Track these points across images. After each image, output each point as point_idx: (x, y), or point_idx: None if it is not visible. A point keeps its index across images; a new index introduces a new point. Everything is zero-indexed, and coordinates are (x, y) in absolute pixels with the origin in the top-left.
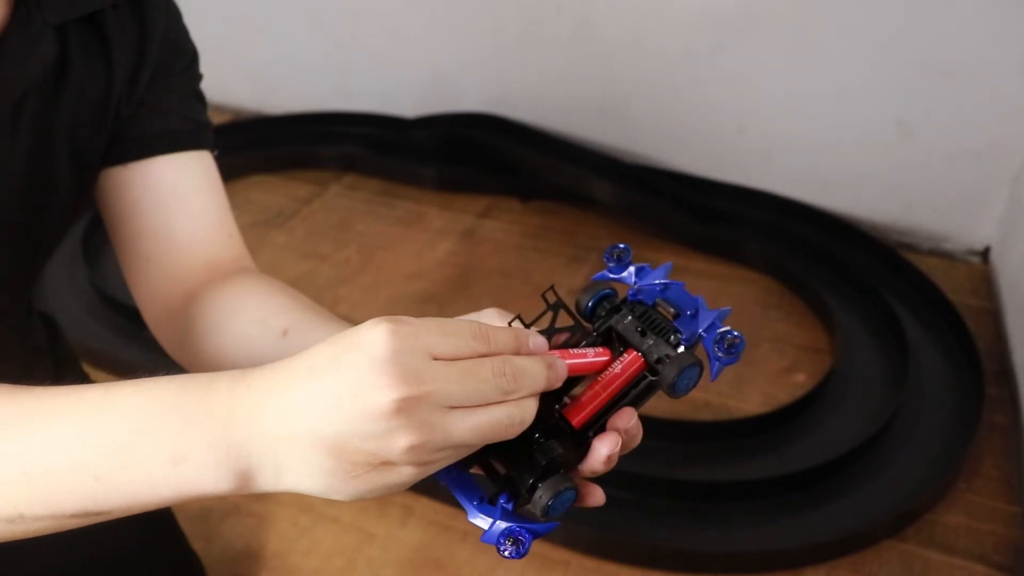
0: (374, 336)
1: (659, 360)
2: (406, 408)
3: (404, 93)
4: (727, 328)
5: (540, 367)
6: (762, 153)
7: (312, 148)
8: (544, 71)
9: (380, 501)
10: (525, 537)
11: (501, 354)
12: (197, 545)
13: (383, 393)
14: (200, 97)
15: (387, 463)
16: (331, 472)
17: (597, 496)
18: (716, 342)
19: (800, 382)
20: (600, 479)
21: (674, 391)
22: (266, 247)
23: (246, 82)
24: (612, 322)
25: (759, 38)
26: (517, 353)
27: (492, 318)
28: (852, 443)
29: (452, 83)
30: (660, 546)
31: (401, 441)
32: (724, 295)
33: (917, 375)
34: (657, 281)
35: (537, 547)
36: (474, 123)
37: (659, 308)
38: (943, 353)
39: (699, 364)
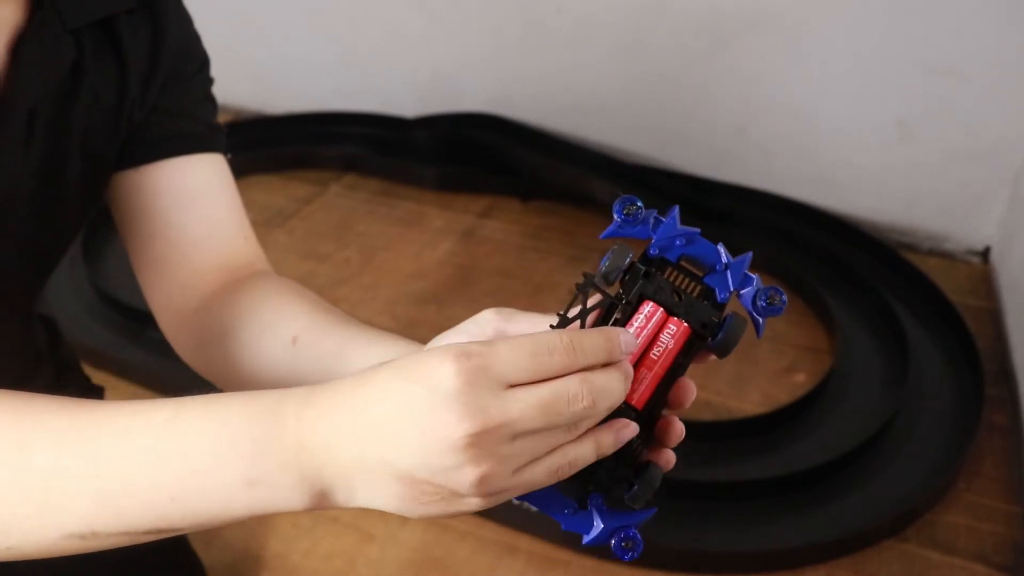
0: (442, 374)
1: (705, 325)
2: (475, 444)
3: (404, 93)
4: (766, 286)
5: (619, 384)
6: (762, 153)
7: (312, 148)
8: (544, 71)
9: None
10: (633, 533)
11: (586, 369)
12: (197, 545)
13: (450, 429)
14: (212, 100)
15: (456, 494)
16: (402, 497)
17: (671, 460)
18: (757, 300)
19: (800, 382)
20: None
21: (726, 354)
22: (266, 247)
23: (247, 82)
24: (640, 288)
25: (759, 38)
26: (608, 361)
27: (489, 320)
28: (852, 443)
29: (452, 83)
30: (660, 546)
31: (469, 476)
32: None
33: (917, 375)
34: (677, 234)
35: (537, 547)
36: (474, 123)
37: (683, 264)
38: (943, 353)
39: (745, 322)
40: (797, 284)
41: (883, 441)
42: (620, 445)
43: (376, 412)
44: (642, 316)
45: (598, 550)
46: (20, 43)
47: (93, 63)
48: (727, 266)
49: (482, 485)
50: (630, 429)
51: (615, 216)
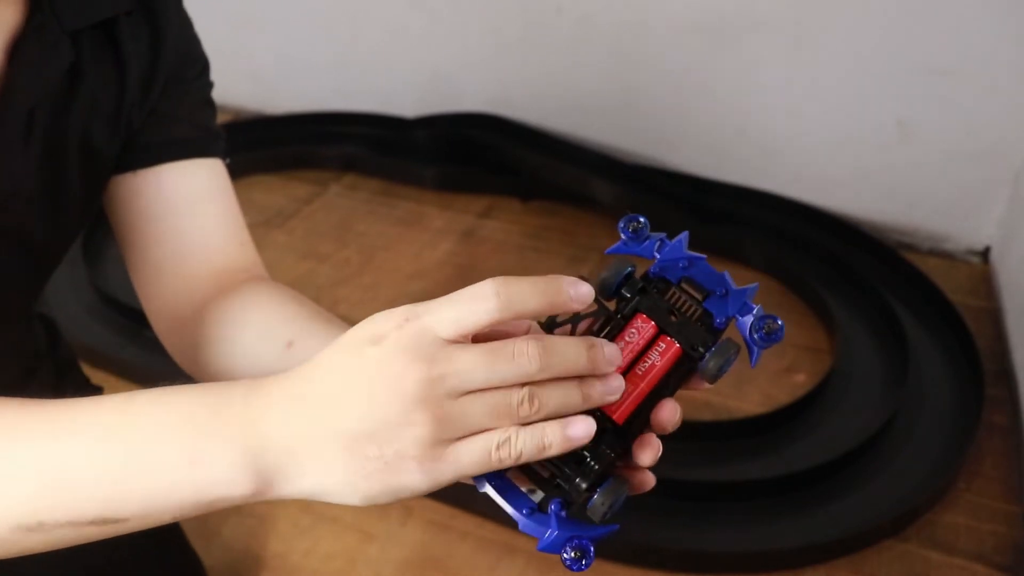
0: (390, 328)
1: (695, 347)
2: (422, 392)
3: (404, 93)
4: (765, 314)
5: (575, 350)
6: (762, 153)
7: (312, 148)
8: (544, 71)
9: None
10: (586, 544)
11: (560, 377)
12: (197, 545)
13: (399, 379)
14: (211, 105)
15: (399, 458)
16: (347, 469)
17: (648, 482)
18: (754, 328)
19: (800, 382)
20: None
21: (715, 379)
22: (266, 247)
23: (247, 82)
24: (636, 303)
25: (759, 38)
26: (590, 373)
27: None
28: (852, 443)
29: (452, 83)
30: (660, 546)
31: (415, 430)
32: None
33: (917, 375)
34: (681, 257)
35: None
36: (474, 123)
37: (684, 286)
38: (943, 353)
39: (738, 350)
40: (797, 284)
41: (883, 441)
42: (570, 443)
43: (326, 381)
44: (633, 330)
45: (598, 550)
46: (18, 45)
47: (92, 65)
48: (728, 292)
49: (424, 444)
50: (582, 426)
51: (620, 234)
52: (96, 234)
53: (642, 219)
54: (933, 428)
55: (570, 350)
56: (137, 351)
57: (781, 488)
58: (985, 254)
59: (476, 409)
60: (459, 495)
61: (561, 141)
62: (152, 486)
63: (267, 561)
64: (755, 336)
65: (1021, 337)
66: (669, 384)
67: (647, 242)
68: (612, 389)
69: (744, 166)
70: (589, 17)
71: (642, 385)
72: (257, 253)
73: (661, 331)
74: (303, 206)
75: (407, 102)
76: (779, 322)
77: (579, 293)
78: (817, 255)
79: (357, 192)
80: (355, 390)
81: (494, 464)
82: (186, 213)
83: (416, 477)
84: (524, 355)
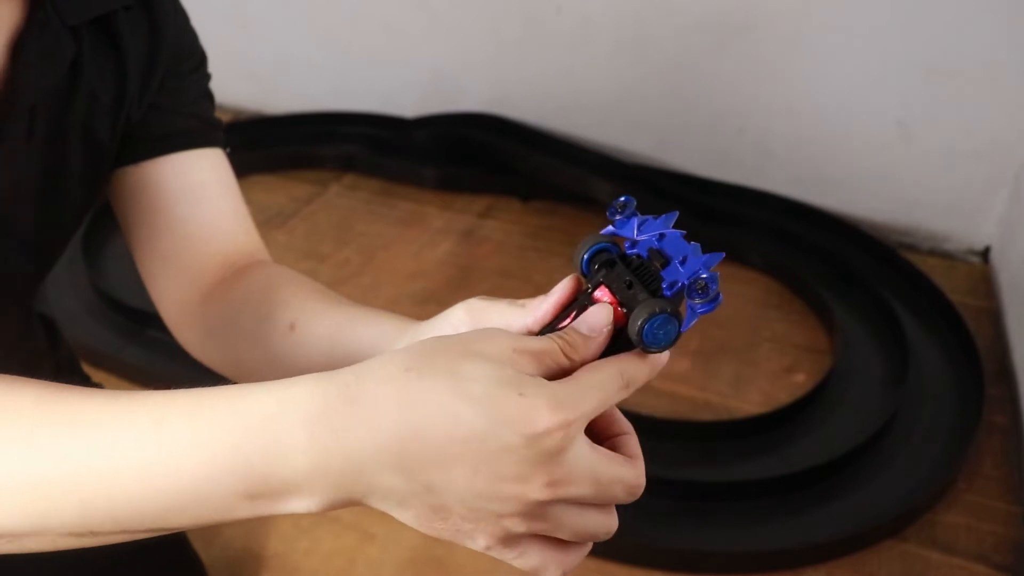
0: (539, 426)
1: (628, 311)
2: (536, 498)
3: (404, 93)
4: (709, 274)
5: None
6: (762, 153)
7: (312, 148)
8: (544, 71)
9: None
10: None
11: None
12: (197, 545)
13: (526, 487)
14: (210, 96)
15: (473, 531)
16: (421, 517)
17: None
18: (688, 288)
19: (800, 382)
20: None
21: (643, 341)
22: (266, 247)
23: (246, 82)
24: (600, 277)
25: (759, 38)
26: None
27: (462, 320)
28: (852, 443)
29: (452, 83)
30: (660, 546)
31: (504, 521)
32: (724, 295)
33: (917, 375)
34: (655, 233)
35: None
36: (474, 123)
37: (651, 259)
38: (943, 353)
39: (668, 311)
40: (797, 284)
41: (883, 441)
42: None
43: (443, 447)
44: (595, 302)
45: (598, 550)
46: (20, 41)
47: (92, 60)
48: (686, 259)
49: (506, 533)
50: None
51: (609, 216)
52: (96, 234)
53: (623, 198)
54: (933, 428)
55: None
56: (136, 351)
57: (781, 488)
58: (985, 254)
59: (567, 524)
60: None
61: (561, 141)
62: (205, 513)
63: (267, 560)
64: (690, 298)
65: (1021, 337)
66: (608, 350)
67: (630, 221)
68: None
69: (744, 166)
70: (589, 17)
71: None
72: (260, 240)
73: (620, 302)
74: (303, 206)
75: (407, 102)
76: (709, 277)
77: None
78: (817, 255)
79: (357, 192)
80: (472, 473)
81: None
82: (190, 203)
83: (479, 546)
84: (630, 496)
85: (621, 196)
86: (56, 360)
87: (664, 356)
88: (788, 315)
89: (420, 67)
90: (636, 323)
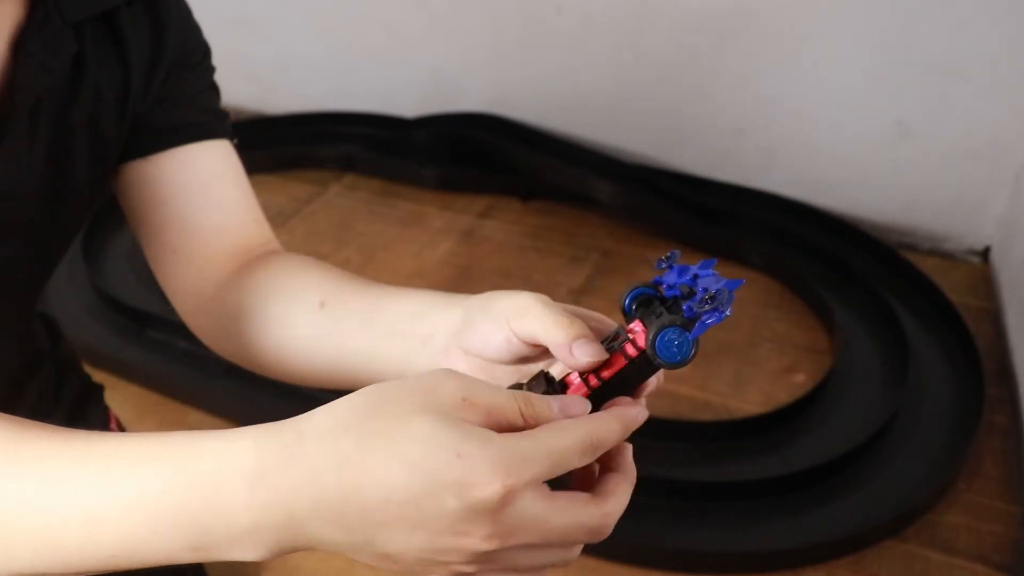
0: (482, 487)
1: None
2: (481, 551)
3: (404, 93)
4: (714, 290)
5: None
6: (762, 153)
7: (312, 148)
8: (544, 71)
9: None
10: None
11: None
12: None
13: (468, 540)
14: (215, 88)
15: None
16: (370, 563)
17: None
18: (697, 300)
19: (800, 382)
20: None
21: (656, 355)
22: None
23: (246, 82)
24: (638, 314)
25: (759, 38)
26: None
27: (506, 310)
28: (852, 443)
29: (452, 83)
30: (660, 546)
31: (449, 568)
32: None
33: (917, 375)
34: (690, 275)
35: None
36: (474, 123)
37: (684, 295)
38: (943, 353)
39: (678, 323)
40: (797, 284)
41: (883, 441)
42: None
43: (380, 505)
44: (629, 334)
45: (598, 550)
46: (22, 39)
47: (95, 56)
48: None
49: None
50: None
51: (657, 268)
52: (96, 234)
53: (672, 253)
54: (933, 428)
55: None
56: (136, 351)
57: (781, 488)
58: (985, 254)
59: (522, 563)
60: None
61: (561, 141)
62: (151, 559)
63: (267, 560)
64: (699, 308)
65: (1021, 337)
66: (629, 376)
67: (673, 269)
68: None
69: (744, 166)
70: (589, 17)
71: (591, 377)
72: (271, 230)
73: (646, 331)
74: (303, 206)
75: (407, 102)
76: (715, 289)
77: (640, 418)
78: (817, 255)
79: (357, 192)
80: (410, 532)
81: None
82: (200, 194)
83: None
84: (593, 537)
85: (670, 252)
86: (57, 359)
87: (640, 415)
88: (788, 315)
89: (420, 67)
90: (649, 338)
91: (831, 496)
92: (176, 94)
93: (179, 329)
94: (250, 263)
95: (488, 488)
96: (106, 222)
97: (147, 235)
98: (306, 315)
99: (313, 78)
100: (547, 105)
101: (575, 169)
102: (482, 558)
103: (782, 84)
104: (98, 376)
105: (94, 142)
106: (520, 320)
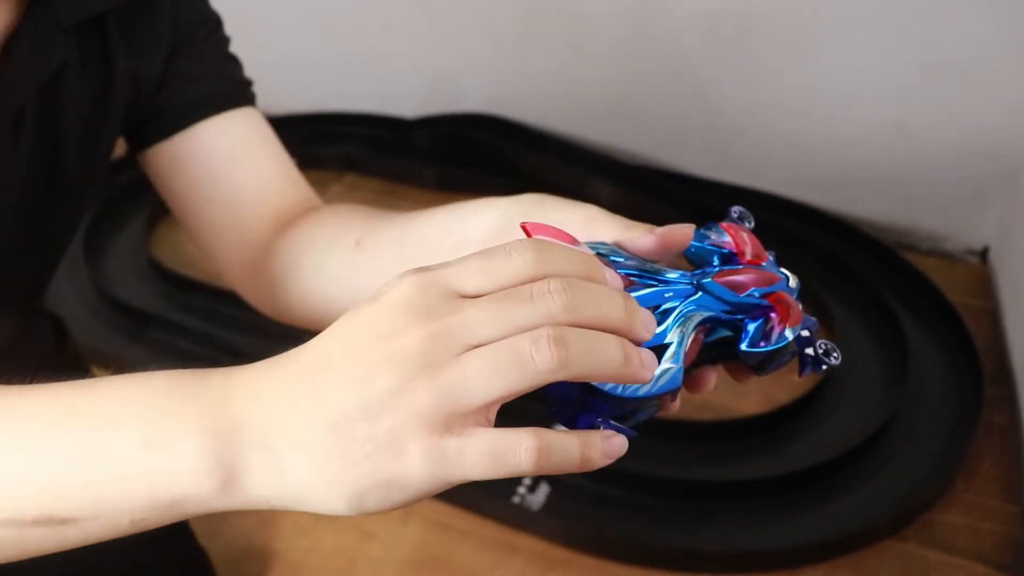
0: (394, 285)
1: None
2: (425, 349)
3: (404, 93)
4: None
5: (618, 300)
6: (762, 153)
7: (312, 148)
8: (544, 71)
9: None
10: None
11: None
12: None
13: (397, 336)
14: (231, 58)
15: (393, 439)
16: (331, 455)
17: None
18: (809, 346)
19: (800, 382)
20: (602, 479)
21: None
22: None
23: None
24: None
25: (759, 38)
26: (624, 332)
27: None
28: (852, 443)
29: (452, 83)
30: (660, 546)
31: (421, 395)
32: None
33: (916, 375)
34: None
35: (537, 547)
36: (474, 123)
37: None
38: (942, 353)
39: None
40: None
41: (882, 441)
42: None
43: (316, 352)
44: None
45: (598, 550)
46: (11, 41)
47: (85, 56)
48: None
49: (423, 418)
50: (646, 358)
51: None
52: (97, 234)
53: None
54: (932, 428)
55: (603, 293)
56: (138, 351)
57: (781, 488)
58: (984, 254)
59: (479, 365)
60: (460, 495)
61: (561, 141)
62: (100, 477)
63: (268, 559)
64: (812, 353)
65: (1020, 337)
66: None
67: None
68: (647, 363)
69: (744, 166)
70: (589, 17)
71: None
72: (310, 188)
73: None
74: None
75: (407, 102)
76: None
77: (614, 278)
78: (817, 255)
79: (357, 192)
80: (344, 357)
81: (511, 464)
82: (232, 166)
83: (415, 464)
84: (546, 293)
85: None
86: (63, 359)
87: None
88: None
89: (420, 67)
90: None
91: (830, 496)
92: (189, 70)
93: (181, 329)
94: (291, 222)
95: (397, 280)
96: (107, 222)
97: (186, 215)
98: (343, 257)
99: (313, 78)
100: (547, 105)
101: (575, 169)
102: (426, 365)
103: (782, 84)
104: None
105: (84, 145)
106: (590, 232)
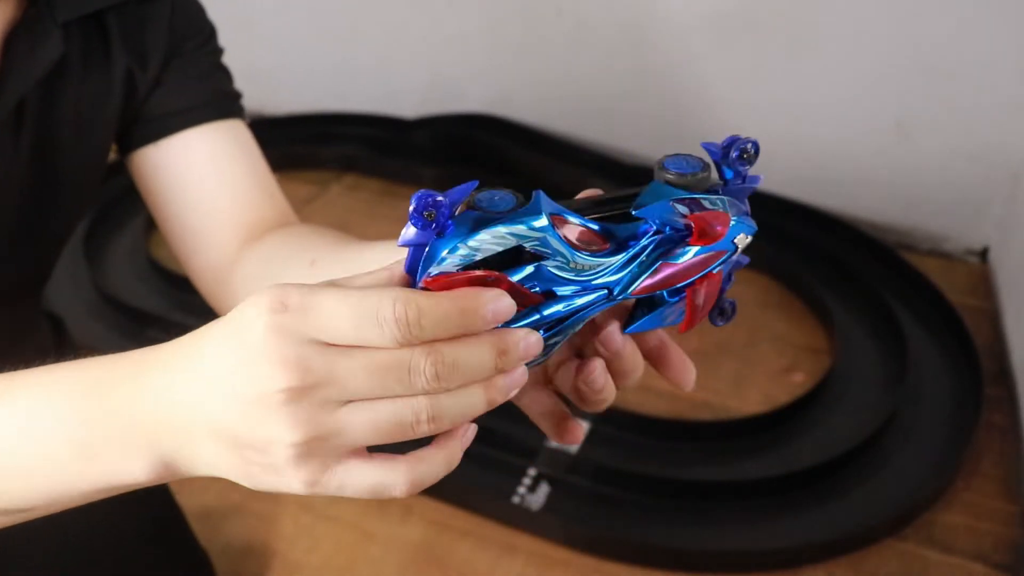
0: (250, 322)
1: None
2: (291, 400)
3: (404, 94)
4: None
5: (484, 357)
6: (761, 153)
7: (312, 148)
8: (544, 72)
9: (380, 500)
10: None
11: (430, 344)
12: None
13: (262, 384)
14: (222, 69)
15: (275, 467)
16: (233, 463)
17: (576, 433)
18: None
19: (799, 382)
20: (602, 479)
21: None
22: None
23: (246, 83)
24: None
25: (759, 38)
26: (464, 333)
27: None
28: (851, 443)
29: (452, 84)
30: (660, 546)
31: (282, 443)
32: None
33: (916, 375)
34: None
35: (537, 547)
36: (474, 124)
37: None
38: (942, 353)
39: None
40: (797, 284)
41: (882, 441)
42: (496, 403)
43: (206, 365)
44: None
45: (598, 550)
46: (11, 37)
47: (82, 52)
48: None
49: (298, 459)
50: (514, 378)
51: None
52: (97, 233)
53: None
54: (932, 428)
55: (475, 359)
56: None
57: (781, 487)
58: (984, 254)
59: (358, 424)
60: (460, 495)
61: (561, 142)
62: (51, 479)
63: (268, 559)
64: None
65: (1020, 337)
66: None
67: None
68: (514, 382)
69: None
70: (589, 18)
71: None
72: (287, 203)
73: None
74: (303, 206)
75: (407, 103)
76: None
77: (498, 311)
78: (817, 255)
79: (357, 192)
80: (227, 380)
81: (385, 497)
82: (207, 177)
83: (298, 486)
84: (420, 374)
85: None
86: (61, 358)
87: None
88: (787, 315)
89: (420, 68)
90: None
91: (830, 495)
92: (179, 79)
93: (181, 329)
94: (261, 236)
95: (270, 299)
96: (107, 222)
97: (164, 219)
98: (297, 275)
99: (313, 79)
100: (547, 106)
101: (575, 169)
102: (302, 422)
103: (782, 84)
104: None
105: (82, 141)
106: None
